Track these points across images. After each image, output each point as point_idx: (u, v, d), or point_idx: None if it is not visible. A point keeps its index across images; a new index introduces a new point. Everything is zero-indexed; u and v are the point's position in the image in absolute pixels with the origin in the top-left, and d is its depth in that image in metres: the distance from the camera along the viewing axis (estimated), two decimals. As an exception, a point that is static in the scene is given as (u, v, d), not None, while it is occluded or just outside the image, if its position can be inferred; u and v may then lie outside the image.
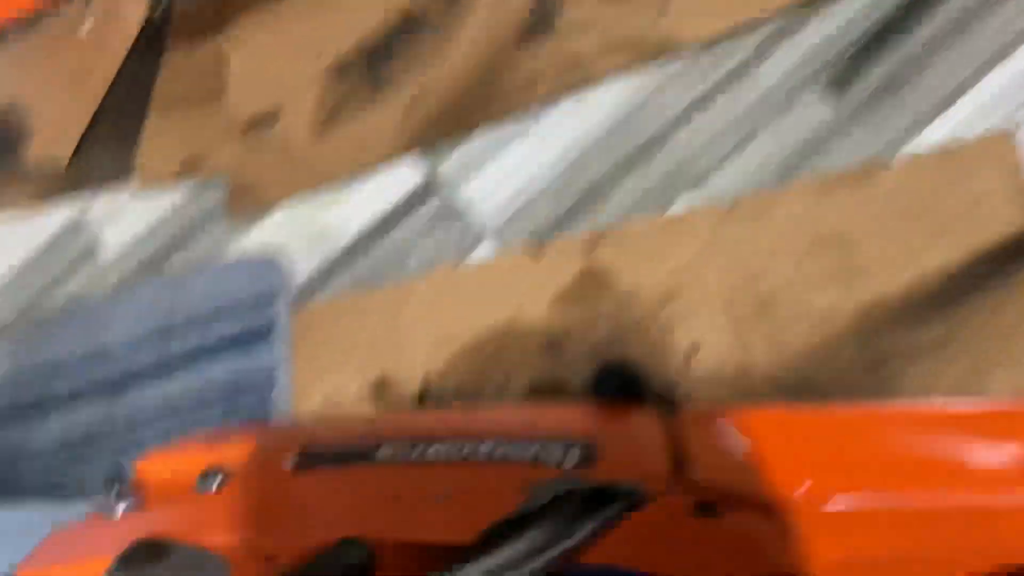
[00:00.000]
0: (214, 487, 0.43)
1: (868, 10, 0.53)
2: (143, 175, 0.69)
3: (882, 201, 0.49)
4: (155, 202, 0.69)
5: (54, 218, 0.73)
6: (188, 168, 0.67)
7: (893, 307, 0.47)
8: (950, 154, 0.49)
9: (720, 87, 0.55)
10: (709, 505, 0.38)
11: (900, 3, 0.53)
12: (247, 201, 0.64)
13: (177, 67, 0.71)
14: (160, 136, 0.70)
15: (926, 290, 0.47)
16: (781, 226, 0.50)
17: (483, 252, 0.57)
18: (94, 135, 0.73)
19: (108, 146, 0.72)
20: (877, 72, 0.52)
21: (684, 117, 0.56)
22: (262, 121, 0.66)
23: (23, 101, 0.77)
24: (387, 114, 0.62)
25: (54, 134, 0.75)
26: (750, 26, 0.55)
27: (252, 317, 0.61)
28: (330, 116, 0.64)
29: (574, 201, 0.56)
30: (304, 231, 0.62)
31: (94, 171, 0.72)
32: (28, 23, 0.79)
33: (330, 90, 0.66)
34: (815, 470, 0.40)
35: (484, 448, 0.41)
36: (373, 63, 0.65)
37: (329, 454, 0.43)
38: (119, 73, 0.73)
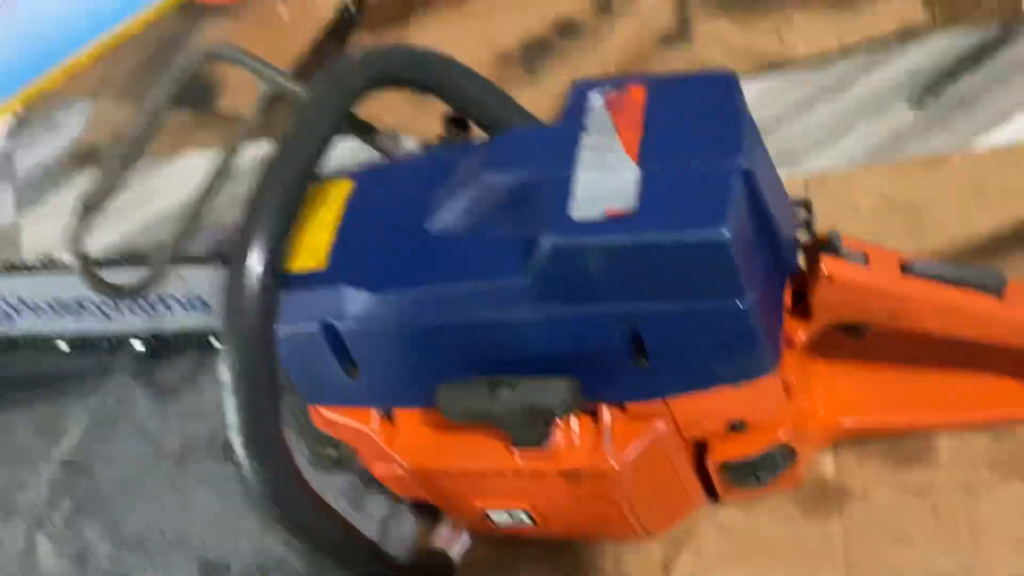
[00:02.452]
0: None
1: (948, 47, 0.67)
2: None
3: (947, 180, 0.61)
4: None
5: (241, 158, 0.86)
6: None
7: (948, 257, 0.59)
8: (1007, 150, 0.61)
9: (823, 94, 0.69)
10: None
11: (973, 45, 0.67)
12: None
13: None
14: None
15: (976, 248, 0.59)
16: (861, 192, 0.63)
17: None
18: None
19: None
20: (953, 91, 0.66)
21: (788, 115, 0.69)
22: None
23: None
24: (538, 97, 0.76)
25: (241, 96, 0.89)
26: (852, 48, 0.69)
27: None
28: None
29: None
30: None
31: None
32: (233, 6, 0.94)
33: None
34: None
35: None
36: (531, 56, 0.79)
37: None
38: (312, 53, 0.87)
